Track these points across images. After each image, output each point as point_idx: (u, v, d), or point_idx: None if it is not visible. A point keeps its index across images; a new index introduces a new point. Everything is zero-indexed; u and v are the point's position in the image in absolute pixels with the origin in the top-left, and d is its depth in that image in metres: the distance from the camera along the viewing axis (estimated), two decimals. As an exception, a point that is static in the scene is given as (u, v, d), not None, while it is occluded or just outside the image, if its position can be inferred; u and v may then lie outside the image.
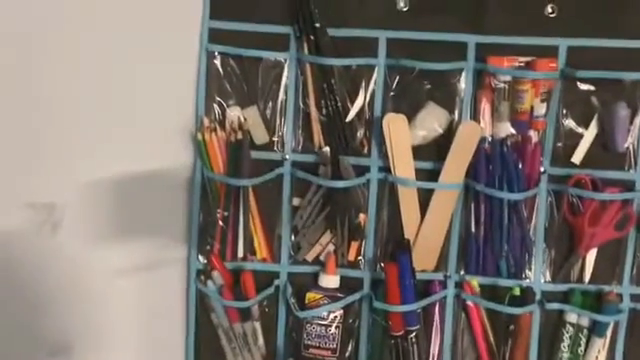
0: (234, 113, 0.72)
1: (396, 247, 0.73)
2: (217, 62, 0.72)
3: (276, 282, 0.75)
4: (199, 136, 0.70)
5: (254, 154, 0.73)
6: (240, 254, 0.73)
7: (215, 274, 0.71)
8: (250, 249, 0.73)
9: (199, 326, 0.75)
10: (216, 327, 0.74)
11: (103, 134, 0.73)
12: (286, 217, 0.74)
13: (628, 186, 0.72)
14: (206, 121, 0.71)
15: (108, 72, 0.72)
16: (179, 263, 0.75)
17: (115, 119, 0.73)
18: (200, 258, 0.75)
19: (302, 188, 0.74)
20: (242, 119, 0.71)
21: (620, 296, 0.73)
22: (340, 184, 0.71)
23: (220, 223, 0.72)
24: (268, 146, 0.73)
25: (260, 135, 0.73)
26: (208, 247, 0.75)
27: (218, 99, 0.72)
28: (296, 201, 0.74)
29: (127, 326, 0.76)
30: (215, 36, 0.72)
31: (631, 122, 0.71)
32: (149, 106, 0.73)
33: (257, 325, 0.73)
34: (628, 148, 0.71)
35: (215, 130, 0.70)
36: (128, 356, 0.77)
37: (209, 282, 0.72)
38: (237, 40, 0.71)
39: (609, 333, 0.73)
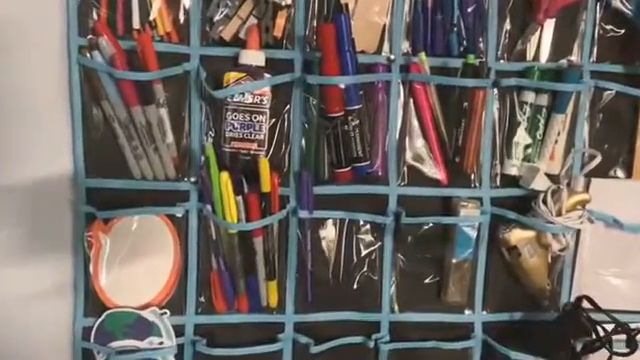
0: None
1: (333, 10, 0.60)
2: None
3: (185, 66, 0.59)
4: None
5: None
6: (135, 25, 0.57)
7: (102, 42, 0.55)
8: (148, 20, 0.57)
9: (86, 121, 0.58)
10: (110, 120, 0.58)
11: None
12: (193, -19, 0.59)
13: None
14: None
15: None
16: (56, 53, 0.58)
17: None
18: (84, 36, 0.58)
19: (212, -59, 0.58)
20: None
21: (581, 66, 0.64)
22: None
23: (106, -21, 0.56)
24: None
25: None
26: (92, 21, 0.58)
27: None
28: (204, -40, 0.59)
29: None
30: None
31: None
32: None
33: (163, 112, 0.58)
34: None
35: None
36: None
37: (95, 53, 0.55)
38: None
39: (569, 111, 0.65)
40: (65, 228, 0.60)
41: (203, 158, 0.60)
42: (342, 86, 0.59)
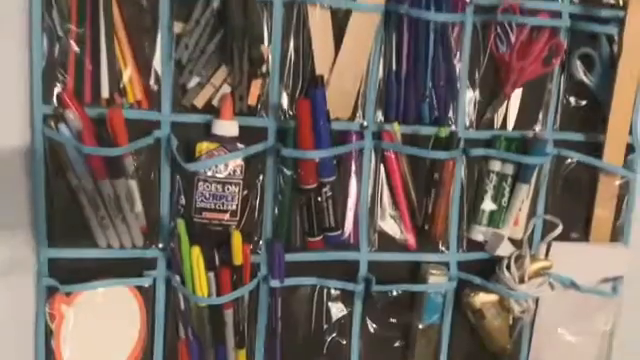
0: None
1: (308, 84, 0.59)
2: None
3: (156, 133, 0.58)
4: None
5: (117, -43, 0.54)
6: (104, 94, 0.55)
7: (70, 115, 0.53)
8: (118, 88, 0.55)
9: (51, 192, 0.56)
10: (76, 191, 0.56)
11: None
12: (165, 48, 0.57)
13: (556, 17, 0.65)
14: None
15: None
16: (18, 116, 0.55)
17: None
18: (49, 103, 0.55)
19: (186, 9, 0.57)
20: None
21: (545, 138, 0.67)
22: (236, -4, 0.55)
23: (74, 46, 0.53)
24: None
25: None
26: (58, 88, 0.55)
27: None
28: (178, 27, 0.57)
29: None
30: None
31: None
32: None
33: (133, 184, 0.57)
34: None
35: None
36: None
37: (61, 126, 0.53)
38: None
39: (533, 180, 0.67)
40: (26, 301, 0.58)
41: (173, 228, 0.58)
42: (316, 159, 0.59)
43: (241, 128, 0.60)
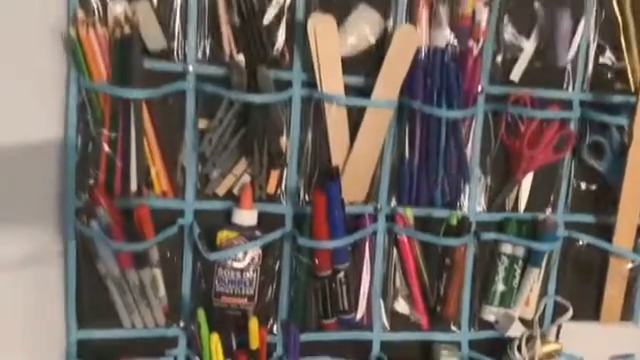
0: (118, 7, 0.56)
1: (324, 175, 0.62)
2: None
3: (180, 221, 0.61)
4: (72, 32, 0.53)
5: (147, 64, 0.58)
6: (133, 187, 0.59)
7: (100, 211, 0.56)
8: (146, 181, 0.59)
9: (81, 279, 0.60)
10: (104, 278, 0.59)
11: None
12: (190, 142, 0.61)
13: (566, 106, 0.67)
14: (81, 14, 0.55)
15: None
16: (53, 205, 0.59)
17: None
18: (81, 196, 0.59)
19: (210, 106, 0.60)
20: (130, 14, 0.55)
21: (556, 223, 0.68)
22: (258, 99, 0.58)
23: (106, 148, 0.57)
24: (165, 54, 0.59)
25: (154, 38, 0.58)
26: (91, 181, 0.59)
27: (97, -10, 0.56)
28: (203, 123, 0.61)
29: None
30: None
31: (573, 33, 0.65)
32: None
33: (157, 272, 0.60)
34: (569, 63, 0.66)
35: (94, 26, 0.54)
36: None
37: (92, 222, 0.56)
38: None
39: (544, 264, 0.69)
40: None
41: (194, 311, 0.61)
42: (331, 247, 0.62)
43: (260, 214, 0.63)
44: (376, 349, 0.67)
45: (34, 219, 0.58)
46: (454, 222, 0.65)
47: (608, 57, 0.68)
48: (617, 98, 0.68)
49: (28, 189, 0.58)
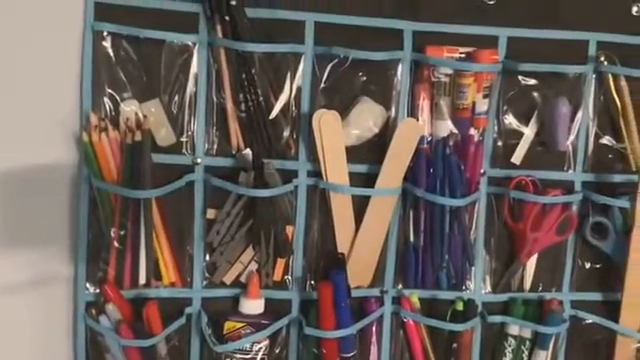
0: (130, 108, 0.58)
1: (330, 264, 0.63)
2: (107, 44, 0.58)
3: (188, 310, 0.62)
4: (85, 137, 0.55)
5: (157, 158, 0.60)
6: (142, 280, 0.60)
7: (110, 307, 0.57)
8: (155, 273, 0.60)
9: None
10: (113, 371, 0.60)
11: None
12: (199, 233, 0.62)
13: (568, 187, 0.68)
14: (93, 118, 0.57)
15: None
16: (64, 293, 0.60)
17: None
18: (90, 288, 0.60)
19: (218, 198, 0.62)
20: (141, 116, 0.57)
21: (562, 304, 0.68)
22: (265, 193, 0.60)
23: (115, 244, 0.58)
24: (175, 148, 0.61)
25: (164, 135, 0.60)
26: (100, 274, 0.60)
27: (109, 91, 0.58)
28: (211, 213, 0.62)
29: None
30: (104, 12, 0.57)
31: (572, 119, 0.67)
32: (22, 101, 0.57)
33: (166, 365, 0.60)
34: (569, 147, 0.67)
35: (106, 129, 0.56)
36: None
37: (102, 317, 0.57)
38: (133, 18, 0.57)
39: (551, 346, 0.69)
40: None
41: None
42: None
43: (266, 300, 0.63)
44: None
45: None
46: (459, 308, 0.65)
47: (607, 139, 0.69)
48: (618, 177, 0.69)
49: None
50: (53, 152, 0.59)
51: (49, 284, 0.60)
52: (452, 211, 0.64)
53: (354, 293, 0.64)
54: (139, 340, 0.57)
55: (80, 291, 0.60)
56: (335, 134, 0.62)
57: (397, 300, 0.67)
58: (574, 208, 0.69)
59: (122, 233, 0.58)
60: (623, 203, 0.68)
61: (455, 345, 0.66)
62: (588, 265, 0.71)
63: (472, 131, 0.65)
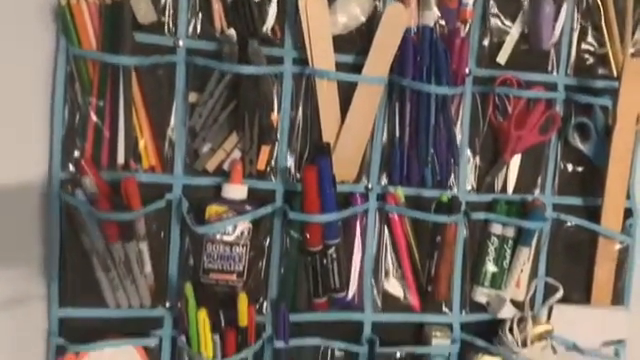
0: (109, -21, 0.56)
1: (315, 151, 0.62)
2: None
3: (168, 196, 0.60)
4: (62, 0, 0.53)
5: (138, 37, 0.58)
6: (120, 160, 0.58)
7: (86, 180, 0.55)
8: (134, 154, 0.58)
9: (64, 253, 0.58)
10: (88, 253, 0.58)
11: None
12: (180, 116, 0.60)
13: (552, 89, 0.69)
14: (72, -19, 0.55)
15: None
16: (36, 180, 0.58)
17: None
18: (67, 167, 0.58)
19: (200, 80, 0.60)
20: (122, -17, 0.55)
21: (544, 205, 0.69)
22: (249, 69, 0.58)
23: (93, 117, 0.56)
24: (156, 28, 0.59)
25: (144, 11, 0.58)
26: (77, 153, 0.58)
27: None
28: (193, 97, 0.61)
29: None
30: None
31: (556, 19, 0.67)
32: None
33: (143, 246, 0.59)
34: (552, 47, 0.67)
35: (84, -8, 0.54)
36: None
37: (78, 191, 0.55)
38: None
39: (534, 243, 0.69)
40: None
41: (181, 289, 0.59)
42: (322, 222, 0.61)
43: (250, 191, 0.62)
44: (367, 331, 0.66)
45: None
46: (444, 200, 0.65)
47: (590, 42, 0.70)
48: (600, 83, 0.70)
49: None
50: (29, 26, 0.56)
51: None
52: (438, 101, 0.64)
53: (339, 188, 0.63)
54: (117, 213, 0.55)
55: (54, 170, 0.57)
56: (322, 19, 0.61)
57: (382, 197, 0.66)
58: (557, 108, 0.69)
59: (100, 104, 0.55)
60: (605, 101, 0.68)
61: (439, 239, 0.65)
62: (570, 168, 0.71)
63: (458, 24, 0.65)
